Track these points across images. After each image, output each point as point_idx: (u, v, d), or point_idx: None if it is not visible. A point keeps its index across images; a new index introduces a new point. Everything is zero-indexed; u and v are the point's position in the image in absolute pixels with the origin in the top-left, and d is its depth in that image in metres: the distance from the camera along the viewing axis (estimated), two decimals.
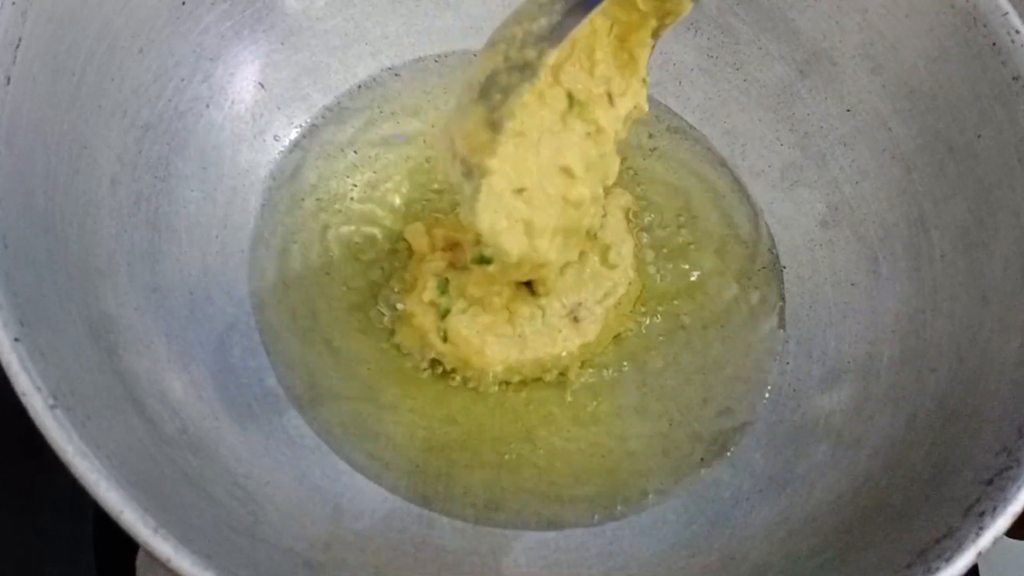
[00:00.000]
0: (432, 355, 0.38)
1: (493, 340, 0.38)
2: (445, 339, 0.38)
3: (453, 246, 0.39)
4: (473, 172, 0.31)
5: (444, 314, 0.38)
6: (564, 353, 0.38)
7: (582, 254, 0.39)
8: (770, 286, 0.41)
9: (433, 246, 0.39)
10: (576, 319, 0.39)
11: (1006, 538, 0.29)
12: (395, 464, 0.36)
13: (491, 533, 0.35)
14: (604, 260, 0.40)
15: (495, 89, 0.29)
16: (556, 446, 0.38)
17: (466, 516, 0.36)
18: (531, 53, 0.29)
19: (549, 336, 0.39)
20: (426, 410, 0.38)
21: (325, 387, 0.37)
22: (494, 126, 0.30)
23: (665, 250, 0.42)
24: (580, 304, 0.39)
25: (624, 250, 0.40)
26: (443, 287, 0.38)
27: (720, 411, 0.39)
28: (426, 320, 0.38)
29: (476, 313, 0.38)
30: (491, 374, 0.38)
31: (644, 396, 0.39)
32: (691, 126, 0.44)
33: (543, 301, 0.39)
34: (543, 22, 0.29)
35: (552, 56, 0.28)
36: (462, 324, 0.38)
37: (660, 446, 0.38)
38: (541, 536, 0.36)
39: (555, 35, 0.28)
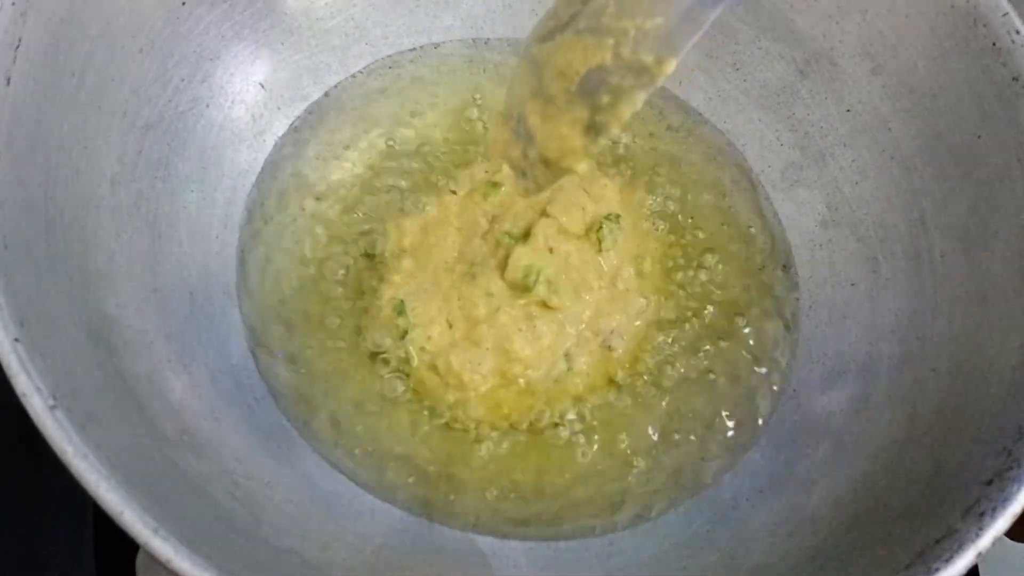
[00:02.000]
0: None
1: (478, 379, 0.36)
2: (407, 361, 0.37)
3: (425, 241, 0.38)
4: (554, 171, 0.28)
5: (403, 335, 0.37)
6: (582, 388, 0.38)
7: (610, 272, 0.37)
8: (773, 286, 0.41)
9: (400, 243, 0.39)
10: (610, 348, 0.37)
11: (1006, 539, 0.29)
12: (395, 466, 0.36)
13: (491, 535, 0.35)
14: (640, 272, 0.38)
15: (604, 90, 0.26)
16: (556, 448, 0.37)
17: (466, 517, 0.36)
18: (648, 58, 0.25)
19: (572, 382, 0.37)
20: (425, 413, 0.37)
21: (321, 388, 0.37)
22: (596, 130, 0.26)
23: (666, 249, 0.42)
24: (613, 331, 0.37)
25: (656, 256, 0.39)
26: (400, 308, 0.37)
27: (721, 411, 0.39)
28: (388, 337, 0.37)
29: (461, 347, 0.36)
30: (475, 417, 0.37)
31: (644, 396, 0.39)
32: (691, 125, 0.44)
33: (569, 344, 0.36)
34: (659, 22, 0.25)
35: (672, 66, 0.25)
36: (423, 357, 0.36)
37: (662, 447, 0.38)
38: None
39: (676, 43, 0.25)
